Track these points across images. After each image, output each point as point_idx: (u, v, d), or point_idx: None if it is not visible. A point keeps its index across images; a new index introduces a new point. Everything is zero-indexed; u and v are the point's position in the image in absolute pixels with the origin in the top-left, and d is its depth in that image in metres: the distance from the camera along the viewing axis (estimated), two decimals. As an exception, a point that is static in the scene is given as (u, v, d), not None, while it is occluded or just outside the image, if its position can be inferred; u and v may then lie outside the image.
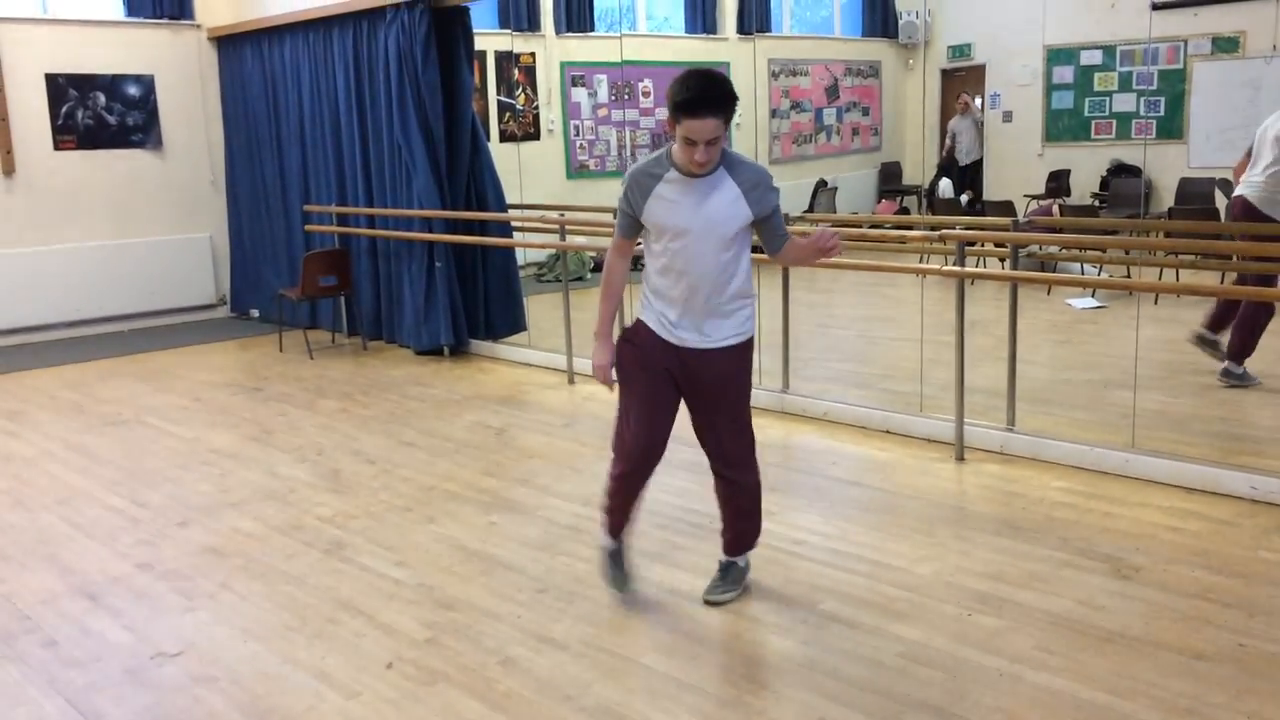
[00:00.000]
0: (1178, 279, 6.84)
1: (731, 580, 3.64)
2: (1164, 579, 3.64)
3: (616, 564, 3.65)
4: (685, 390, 3.40)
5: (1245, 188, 5.75)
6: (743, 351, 3.39)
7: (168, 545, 4.31)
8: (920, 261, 6.61)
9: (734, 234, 3.25)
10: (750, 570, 3.72)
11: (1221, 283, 6.12)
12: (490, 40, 10.22)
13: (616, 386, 3.47)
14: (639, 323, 3.40)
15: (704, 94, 3.04)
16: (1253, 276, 5.63)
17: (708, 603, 3.57)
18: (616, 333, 3.49)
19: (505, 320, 7.91)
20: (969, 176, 11.75)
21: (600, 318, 3.46)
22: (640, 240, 3.43)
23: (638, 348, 3.38)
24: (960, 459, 4.96)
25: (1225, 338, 5.87)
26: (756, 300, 3.47)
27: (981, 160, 11.89)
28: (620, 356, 3.42)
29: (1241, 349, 5.80)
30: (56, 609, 3.75)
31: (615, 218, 3.42)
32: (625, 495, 3.55)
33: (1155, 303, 7.55)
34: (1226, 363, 5.86)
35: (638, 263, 3.50)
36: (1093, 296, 8.13)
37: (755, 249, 3.49)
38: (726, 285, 3.29)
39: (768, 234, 3.38)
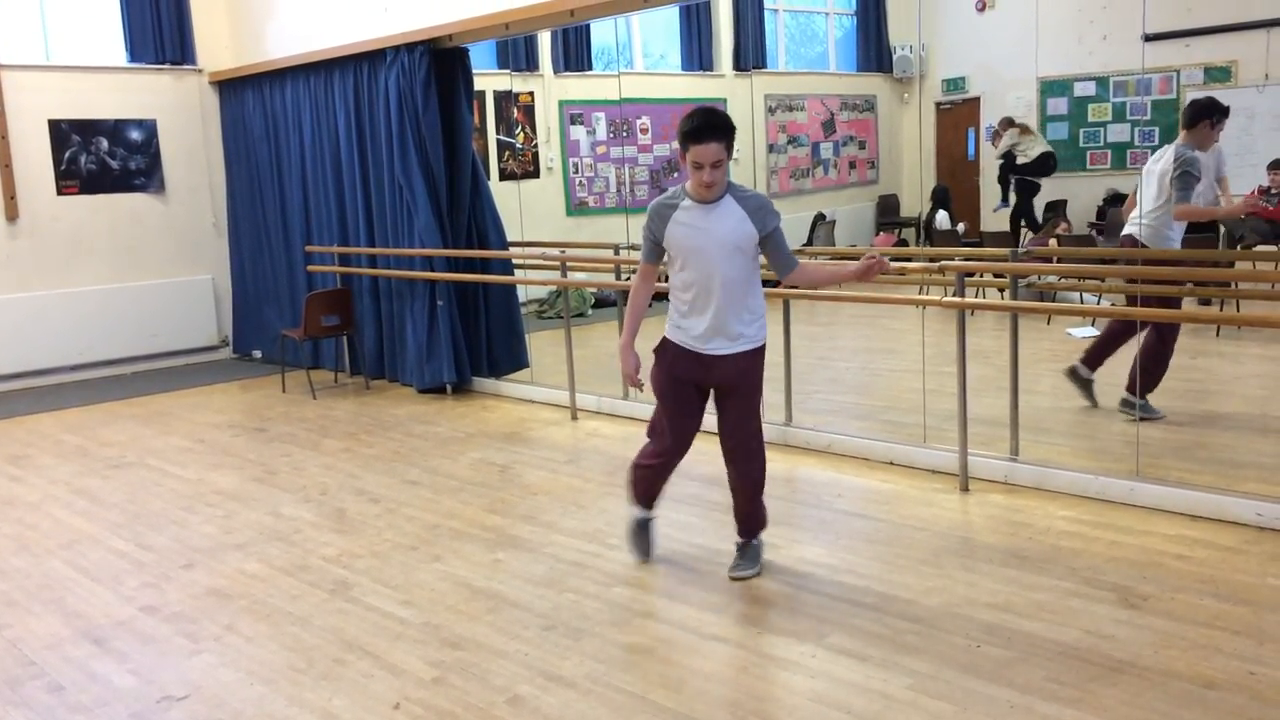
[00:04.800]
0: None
1: (750, 559, 4.11)
2: (1172, 607, 3.63)
3: (644, 533, 4.25)
4: (710, 389, 3.97)
5: (1132, 226, 5.87)
6: (756, 355, 3.93)
7: (172, 588, 4.30)
8: (920, 293, 6.64)
9: (743, 248, 3.78)
10: (764, 550, 4.18)
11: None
12: (489, 80, 10.31)
13: (644, 387, 4.08)
14: (665, 341, 3.96)
15: (706, 123, 3.62)
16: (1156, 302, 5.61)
17: (733, 579, 4.03)
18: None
19: (507, 357, 7.94)
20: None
21: (625, 331, 4.04)
22: (664, 264, 3.98)
23: (667, 363, 3.95)
24: (965, 489, 4.96)
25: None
26: (764, 319, 3.97)
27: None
28: (655, 371, 4.00)
29: (1150, 380, 5.80)
30: (62, 654, 3.73)
31: (642, 244, 3.99)
32: (658, 474, 4.14)
33: (1155, 331, 7.55)
34: (1127, 395, 5.85)
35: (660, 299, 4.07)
36: (1092, 326, 8.14)
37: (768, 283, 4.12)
38: (742, 296, 3.83)
39: (772, 253, 3.89)
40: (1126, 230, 5.95)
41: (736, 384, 3.91)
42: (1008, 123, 11.79)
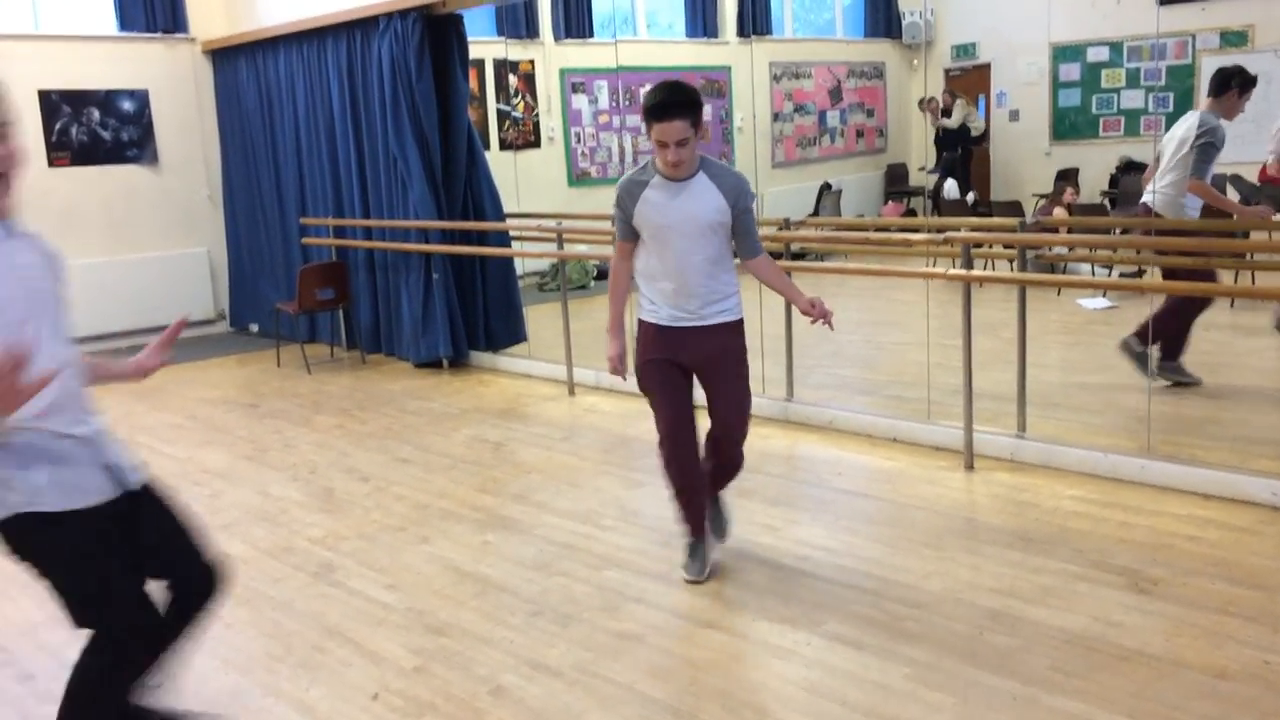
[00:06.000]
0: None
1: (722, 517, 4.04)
2: (1184, 592, 3.49)
3: (693, 553, 3.86)
4: (692, 367, 3.72)
5: (1148, 195, 5.65)
6: (733, 329, 3.71)
7: (153, 571, 4.19)
8: (926, 265, 6.47)
9: (712, 225, 3.56)
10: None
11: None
12: (488, 48, 10.11)
13: (627, 377, 3.88)
14: (641, 324, 3.75)
15: (668, 99, 3.39)
16: (1184, 272, 5.43)
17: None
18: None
19: (505, 331, 7.79)
20: None
21: (611, 315, 3.82)
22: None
23: (644, 345, 3.74)
24: (969, 467, 4.81)
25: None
26: (739, 294, 3.77)
27: None
28: (637, 361, 3.79)
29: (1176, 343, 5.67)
30: (35, 640, 3.62)
31: (615, 223, 3.77)
32: (681, 479, 3.78)
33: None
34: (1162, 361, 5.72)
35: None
36: (1104, 297, 7.97)
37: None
38: (711, 276, 3.61)
39: (741, 234, 3.68)
40: (1143, 199, 5.76)
41: (716, 360, 3.70)
42: (953, 95, 11.80)
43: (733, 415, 3.79)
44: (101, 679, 2.49)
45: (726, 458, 3.88)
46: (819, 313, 3.63)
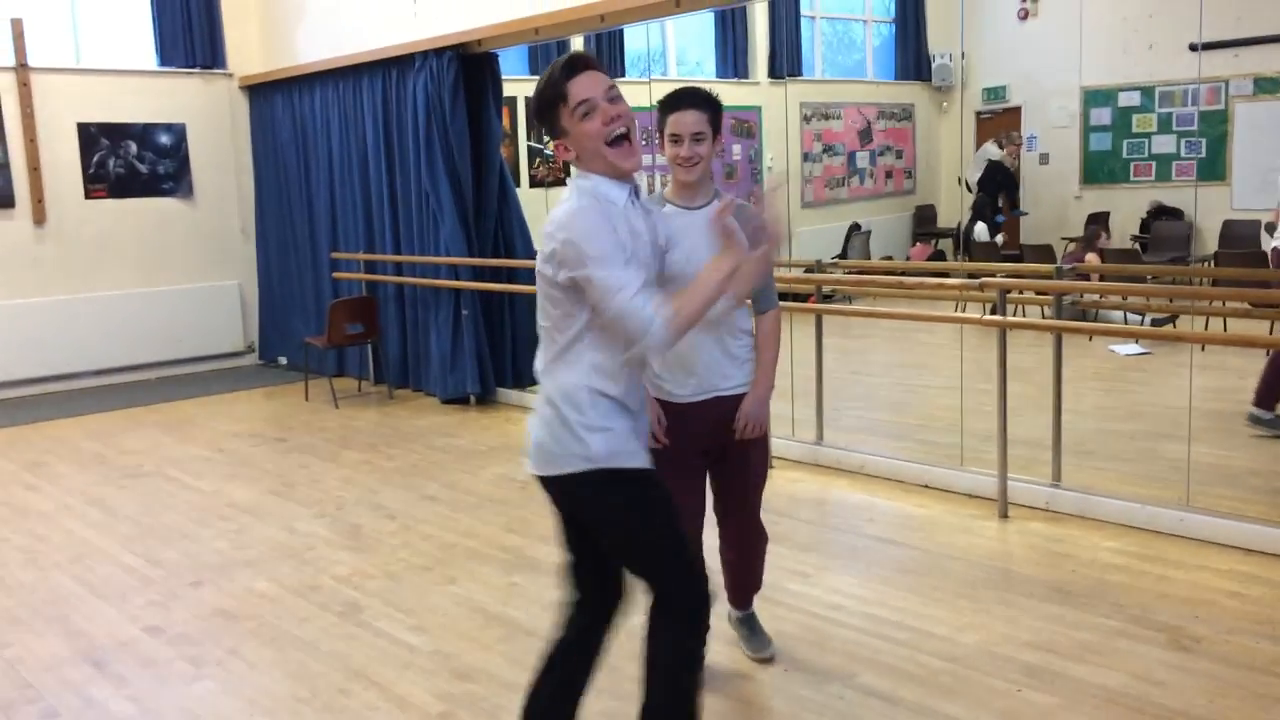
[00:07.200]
0: (1225, 327, 6.58)
1: (762, 630, 3.59)
2: (1227, 651, 3.40)
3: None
4: (710, 444, 3.20)
5: (1276, 240, 5.53)
6: None
7: (179, 607, 4.17)
8: (958, 308, 6.42)
9: None
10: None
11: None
12: (521, 86, 10.14)
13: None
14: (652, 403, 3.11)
15: (685, 92, 3.08)
16: None
17: (764, 660, 3.50)
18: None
19: (533, 369, 7.76)
20: None
21: None
22: None
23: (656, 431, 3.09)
24: (1004, 516, 4.73)
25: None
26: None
27: None
28: None
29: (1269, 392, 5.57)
30: (60, 676, 3.60)
31: None
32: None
33: (1203, 349, 7.28)
34: (1254, 410, 5.63)
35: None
36: (1137, 343, 7.88)
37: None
38: (730, 324, 3.10)
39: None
40: (1275, 242, 5.65)
41: (733, 437, 3.16)
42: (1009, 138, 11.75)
43: (750, 490, 3.33)
44: (689, 651, 2.58)
45: (748, 541, 3.41)
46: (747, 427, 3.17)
